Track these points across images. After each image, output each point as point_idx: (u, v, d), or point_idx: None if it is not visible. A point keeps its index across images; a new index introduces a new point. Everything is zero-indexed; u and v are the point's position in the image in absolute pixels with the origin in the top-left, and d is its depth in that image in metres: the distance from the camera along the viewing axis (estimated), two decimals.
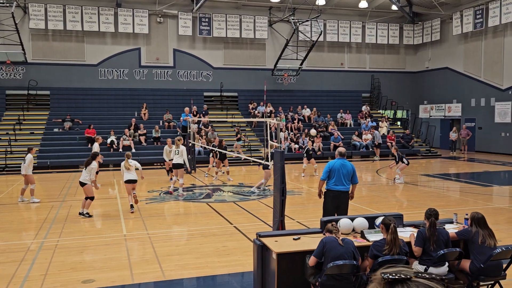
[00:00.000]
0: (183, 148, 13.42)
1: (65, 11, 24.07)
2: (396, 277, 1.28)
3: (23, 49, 23.05)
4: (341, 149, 8.43)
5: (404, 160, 15.80)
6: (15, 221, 10.83)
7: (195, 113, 23.96)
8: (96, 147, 14.86)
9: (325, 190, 8.18)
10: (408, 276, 1.27)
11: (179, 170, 13.27)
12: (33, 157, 13.02)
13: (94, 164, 10.99)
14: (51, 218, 10.59)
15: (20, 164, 12.91)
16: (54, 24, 24.01)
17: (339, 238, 5.34)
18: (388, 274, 1.29)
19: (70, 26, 24.22)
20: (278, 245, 5.68)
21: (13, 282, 6.51)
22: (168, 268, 7.08)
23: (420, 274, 1.28)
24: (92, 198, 10.83)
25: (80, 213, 10.75)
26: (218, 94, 27.12)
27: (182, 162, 13.25)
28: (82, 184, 10.83)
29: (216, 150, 16.47)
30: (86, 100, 24.95)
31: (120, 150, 21.58)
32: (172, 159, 13.75)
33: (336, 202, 8.08)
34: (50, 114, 23.94)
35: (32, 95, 24.27)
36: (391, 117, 29.89)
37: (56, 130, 22.86)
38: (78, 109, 24.37)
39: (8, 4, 21.41)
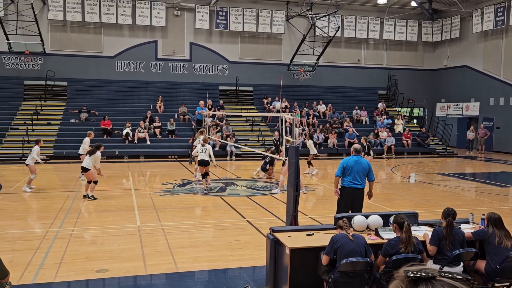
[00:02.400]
0: (209, 147, 13.35)
1: (84, 2, 24.25)
2: (420, 275, 1.25)
3: (41, 40, 23.30)
4: (356, 146, 8.31)
5: (371, 152, 16.32)
6: (31, 209, 11.00)
7: (210, 106, 24.00)
8: (86, 142, 14.77)
9: (340, 187, 8.08)
10: (433, 275, 1.24)
11: (206, 167, 13.09)
12: (40, 147, 13.19)
13: (98, 154, 11.84)
14: (66, 207, 10.72)
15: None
16: (72, 15, 24.21)
17: (349, 234, 5.30)
18: (412, 272, 1.26)
19: (88, 17, 24.40)
20: (292, 240, 5.66)
21: (28, 269, 6.60)
22: (180, 260, 7.11)
23: (444, 274, 1.25)
24: (95, 182, 11.67)
25: (84, 195, 11.62)
26: (234, 88, 27.11)
27: (209, 159, 13.10)
28: (85, 169, 11.66)
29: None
30: (103, 91, 25.16)
31: (135, 142, 21.75)
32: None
33: (350, 199, 7.99)
34: (67, 105, 24.20)
35: (50, 86, 24.54)
36: (408, 114, 29.57)
37: (72, 120, 23.10)
38: (94, 100, 24.58)
39: None
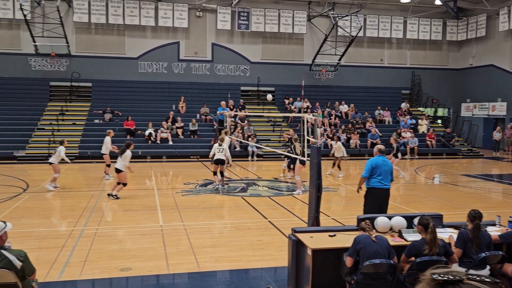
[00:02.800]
0: (225, 146, 13.67)
1: (108, 5, 24.63)
2: (448, 278, 1.22)
3: (67, 42, 23.76)
4: (380, 146, 8.21)
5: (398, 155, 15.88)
6: (57, 208, 11.22)
7: (231, 107, 24.07)
8: (107, 141, 15.10)
9: (368, 188, 7.95)
10: (460, 278, 1.21)
11: (222, 166, 13.52)
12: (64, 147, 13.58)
13: (129, 153, 11.97)
14: (91, 206, 10.89)
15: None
16: (97, 17, 24.62)
17: (372, 235, 5.23)
18: (439, 275, 1.23)
19: (112, 19, 24.77)
20: (314, 241, 5.63)
21: (54, 267, 6.73)
22: (202, 260, 7.15)
23: (472, 276, 1.21)
24: (124, 184, 11.89)
25: (108, 194, 11.85)
26: (255, 88, 27.14)
27: (225, 159, 13.54)
28: (119, 171, 11.81)
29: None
30: (126, 92, 25.50)
31: (158, 142, 21.98)
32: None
33: (379, 200, 7.87)
34: (91, 106, 24.60)
35: (75, 87, 25.00)
36: (432, 115, 29.08)
37: (96, 121, 23.48)
38: (118, 101, 24.93)
39: None
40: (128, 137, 22.07)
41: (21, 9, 21.68)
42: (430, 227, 5.12)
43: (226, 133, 15.19)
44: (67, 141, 13.79)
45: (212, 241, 8.27)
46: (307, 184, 13.64)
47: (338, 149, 16.08)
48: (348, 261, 5.21)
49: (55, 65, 24.85)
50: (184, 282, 6.52)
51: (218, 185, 13.46)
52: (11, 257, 4.37)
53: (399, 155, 15.98)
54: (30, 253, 4.63)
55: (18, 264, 4.38)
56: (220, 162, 13.44)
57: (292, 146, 13.32)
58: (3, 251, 4.40)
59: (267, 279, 6.60)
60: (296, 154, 12.76)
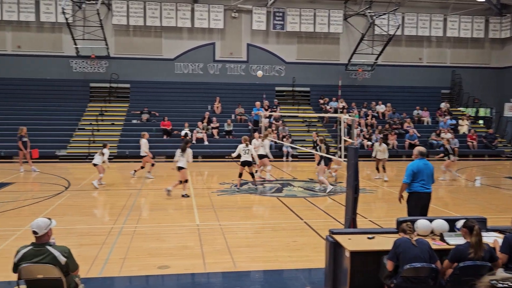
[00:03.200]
0: (251, 147, 13.67)
1: (146, 7, 25.12)
2: (508, 286, 1.15)
3: (106, 44, 24.39)
4: (421, 149, 7.88)
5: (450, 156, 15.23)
6: (97, 206, 11.51)
7: (266, 107, 24.07)
8: (144, 143, 15.62)
9: (410, 192, 7.67)
10: None
11: (250, 167, 13.58)
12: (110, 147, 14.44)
13: (189, 150, 12.41)
14: (130, 205, 11.12)
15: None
16: (135, 20, 25.14)
17: (412, 238, 5.10)
18: (499, 282, 1.17)
19: (149, 22, 25.25)
20: (352, 243, 5.54)
21: (95, 263, 6.90)
22: (239, 260, 7.16)
23: None
24: (186, 181, 12.25)
25: (183, 195, 12.07)
26: (290, 88, 27.05)
27: (251, 159, 13.52)
28: (181, 168, 12.15)
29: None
30: (163, 93, 25.92)
31: (194, 142, 22.22)
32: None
33: (421, 205, 7.58)
34: (129, 106, 25.15)
35: (114, 88, 25.63)
36: (473, 115, 28.18)
37: (134, 121, 23.98)
38: (155, 101, 25.38)
39: (94, 2, 22.73)
40: (165, 137, 22.46)
41: (63, 12, 22.41)
42: (475, 229, 4.95)
43: (270, 133, 15.23)
44: (106, 141, 14.24)
45: (248, 241, 8.27)
46: (343, 186, 13.47)
47: (383, 151, 15.40)
48: (389, 264, 5.10)
49: (95, 66, 25.55)
50: (220, 281, 6.54)
51: (236, 185, 13.47)
52: (56, 253, 4.50)
53: (452, 156, 15.27)
54: (72, 250, 4.75)
55: (63, 260, 4.50)
56: (246, 163, 13.40)
57: (318, 147, 13.82)
58: (48, 247, 4.53)
59: (302, 281, 6.55)
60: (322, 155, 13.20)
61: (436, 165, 18.36)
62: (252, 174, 13.69)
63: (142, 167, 15.94)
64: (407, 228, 5.24)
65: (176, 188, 12.30)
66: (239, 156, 13.70)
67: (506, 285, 1.17)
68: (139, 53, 25.82)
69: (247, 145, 13.49)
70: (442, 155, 15.86)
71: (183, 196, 12.10)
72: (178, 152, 12.45)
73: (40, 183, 14.68)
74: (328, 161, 13.78)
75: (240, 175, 13.52)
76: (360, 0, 26.46)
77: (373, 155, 15.98)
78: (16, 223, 9.25)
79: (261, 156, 14.42)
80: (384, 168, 15.61)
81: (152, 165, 15.87)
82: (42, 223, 4.57)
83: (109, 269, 6.68)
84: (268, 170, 15.45)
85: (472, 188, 15.08)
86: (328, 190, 13.07)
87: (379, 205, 12.04)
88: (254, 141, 15.66)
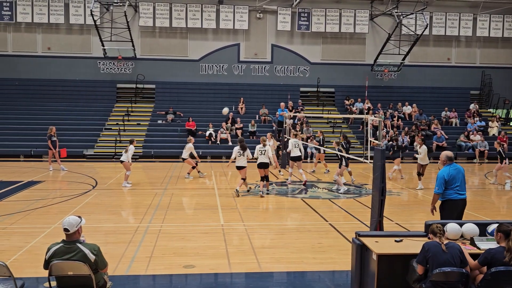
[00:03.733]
0: (268, 148, 12.96)
1: (171, 9, 25.37)
2: None
3: (133, 46, 24.74)
4: (449, 153, 7.47)
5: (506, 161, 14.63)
6: (123, 205, 11.66)
7: (291, 108, 24.00)
8: (188, 147, 15.78)
9: (444, 200, 7.21)
10: None
11: (266, 169, 12.79)
12: (135, 147, 14.46)
13: (248, 151, 12.67)
14: (155, 204, 11.23)
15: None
16: (161, 21, 25.42)
17: (442, 243, 4.97)
18: None
19: (175, 23, 25.49)
20: (379, 246, 5.45)
21: (122, 261, 6.99)
22: (263, 260, 7.14)
23: None
24: (244, 179, 12.60)
25: (236, 190, 12.49)
26: (315, 89, 26.90)
27: (268, 161, 12.75)
28: (242, 167, 12.50)
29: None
30: (188, 94, 26.13)
31: (218, 142, 22.33)
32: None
33: (457, 212, 7.11)
34: (155, 107, 25.45)
35: (140, 89, 25.97)
36: (503, 116, 27.45)
37: (159, 121, 24.24)
38: (180, 102, 25.61)
39: (121, 4, 23.09)
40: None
41: (92, 15, 22.83)
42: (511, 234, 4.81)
43: (296, 135, 15.08)
44: (133, 142, 14.30)
45: (272, 242, 8.25)
46: (369, 187, 13.32)
47: (425, 154, 14.12)
48: (419, 269, 5.00)
49: (121, 67, 25.94)
50: (244, 281, 6.54)
51: (261, 191, 12.59)
52: (86, 251, 4.57)
53: (507, 160, 14.71)
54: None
55: (92, 257, 4.57)
56: (263, 165, 12.64)
57: (337, 149, 14.09)
58: (78, 245, 4.61)
59: (326, 283, 6.50)
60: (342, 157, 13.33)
61: (465, 167, 17.96)
62: (267, 178, 12.83)
63: (194, 167, 15.94)
64: (437, 231, 5.12)
65: (241, 186, 12.56)
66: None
67: None
68: (165, 54, 26.08)
69: (264, 145, 12.77)
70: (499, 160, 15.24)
71: (236, 191, 12.43)
72: (236, 150, 12.65)
73: (68, 181, 14.98)
74: (347, 163, 13.71)
75: (262, 178, 12.76)
76: (386, 0, 26.11)
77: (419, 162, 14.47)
78: (45, 221, 9.45)
79: (261, 165, 12.85)
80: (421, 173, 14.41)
81: (193, 167, 15.92)
82: (73, 220, 4.66)
83: (136, 267, 6.76)
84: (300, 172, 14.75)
85: (502, 192, 14.66)
86: (341, 191, 13.19)
87: (405, 207, 11.83)
88: (258, 146, 13.96)
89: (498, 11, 27.06)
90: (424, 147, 14.28)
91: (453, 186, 7.14)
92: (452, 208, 7.17)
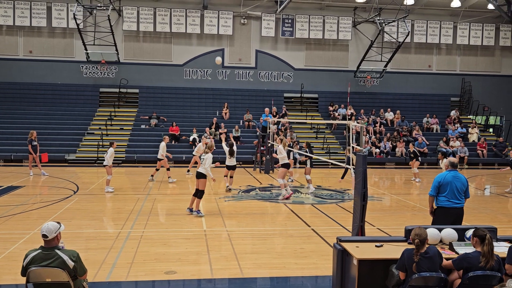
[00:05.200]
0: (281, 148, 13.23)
1: (156, 13, 25.31)
2: None
3: (116, 50, 24.58)
4: (453, 159, 7.43)
5: None
6: (105, 210, 11.54)
7: (275, 113, 24.09)
8: (162, 146, 16.06)
9: (436, 207, 7.27)
10: None
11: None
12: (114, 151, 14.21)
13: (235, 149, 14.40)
14: (137, 210, 11.15)
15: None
16: (145, 26, 25.33)
17: (419, 252, 4.96)
18: None
19: (159, 27, 25.42)
20: (360, 251, 5.50)
21: (103, 267, 6.91)
22: (245, 266, 7.14)
23: None
24: (231, 177, 14.26)
25: (228, 189, 14.14)
26: (298, 95, 27.06)
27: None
28: (233, 167, 14.25)
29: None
30: (171, 98, 26.06)
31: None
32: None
33: (451, 221, 6.92)
34: (138, 111, 25.30)
35: (123, 93, 25.80)
36: (483, 123, 27.97)
37: (143, 126, 24.11)
38: (163, 107, 25.52)
39: (105, 8, 22.95)
40: (173, 142, 22.53)
41: (74, 18, 22.64)
42: (487, 238, 4.91)
43: (281, 140, 14.70)
44: (112, 144, 14.10)
45: (255, 247, 8.25)
46: (351, 193, 13.41)
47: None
48: (401, 275, 5.05)
49: (104, 72, 25.75)
50: (226, 287, 6.53)
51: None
52: (65, 257, 4.52)
53: None
54: (79, 254, 4.76)
55: (71, 264, 4.52)
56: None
57: (305, 150, 14.93)
58: (57, 251, 4.56)
59: None
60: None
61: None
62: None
63: (157, 169, 16.13)
64: (414, 243, 5.07)
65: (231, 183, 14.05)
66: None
67: None
68: (149, 59, 25.99)
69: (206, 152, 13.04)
70: (508, 167, 15.31)
71: (228, 188, 14.03)
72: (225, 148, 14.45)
73: (49, 187, 14.78)
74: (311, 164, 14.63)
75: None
76: (369, 7, 26.47)
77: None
78: (25, 226, 9.31)
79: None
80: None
81: (168, 169, 16.02)
82: (52, 226, 4.60)
83: (116, 274, 6.69)
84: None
85: (482, 197, 14.93)
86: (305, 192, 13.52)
87: (387, 212, 11.96)
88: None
89: (478, 20, 27.64)
90: (445, 160, 14.60)
91: (445, 193, 7.10)
92: (444, 216, 7.11)
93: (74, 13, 22.71)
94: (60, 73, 25.30)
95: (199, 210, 10.61)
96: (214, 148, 11.91)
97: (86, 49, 24.08)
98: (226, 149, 14.48)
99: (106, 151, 14.02)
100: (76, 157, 21.25)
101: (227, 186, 14.27)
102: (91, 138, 22.52)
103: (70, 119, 23.98)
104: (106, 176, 13.83)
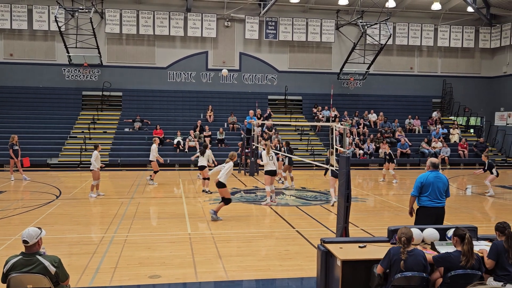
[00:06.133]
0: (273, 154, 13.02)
1: (139, 16, 25.16)
2: None
3: (99, 53, 24.36)
4: (434, 160, 7.54)
5: (494, 171, 14.72)
6: (88, 215, 11.42)
7: (259, 116, 24.12)
8: (153, 148, 16.33)
9: (418, 207, 7.36)
10: None
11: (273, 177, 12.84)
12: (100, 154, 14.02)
13: (209, 152, 14.82)
14: (121, 214, 11.06)
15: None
16: (128, 28, 25.17)
17: (405, 250, 5.04)
18: None
19: (142, 30, 25.28)
20: (343, 252, 5.55)
21: (86, 273, 6.84)
22: (230, 269, 7.14)
23: None
24: (208, 179, 14.05)
25: (203, 191, 14.15)
26: (283, 97, 27.16)
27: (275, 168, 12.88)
28: (203, 167, 14.37)
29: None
30: (155, 101, 25.91)
31: (186, 150, 22.19)
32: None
33: (432, 221, 7.00)
34: (121, 115, 25.10)
35: (106, 96, 25.57)
36: (464, 124, 28.42)
37: (126, 129, 23.92)
38: (147, 110, 25.35)
39: (87, 10, 22.74)
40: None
41: (56, 21, 22.38)
42: (467, 238, 5.00)
43: (266, 145, 14.42)
44: (97, 147, 13.92)
45: (240, 250, 8.26)
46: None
47: None
48: (378, 268, 5.11)
49: (87, 75, 25.50)
50: None
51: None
52: (46, 263, 4.46)
53: (494, 171, 14.70)
54: (62, 259, 4.71)
55: (52, 269, 4.47)
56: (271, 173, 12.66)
57: (286, 149, 15.86)
58: (38, 257, 4.50)
59: None
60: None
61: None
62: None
63: (155, 172, 16.22)
64: (400, 242, 5.16)
65: (207, 186, 14.15)
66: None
67: None
68: (132, 62, 25.82)
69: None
70: (481, 171, 15.25)
71: (203, 191, 14.05)
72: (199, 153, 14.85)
73: (31, 191, 14.56)
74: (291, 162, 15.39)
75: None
76: (351, 10, 26.71)
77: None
78: (6, 232, 9.16)
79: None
80: None
81: (155, 172, 16.07)
82: (33, 232, 4.54)
83: (100, 279, 6.63)
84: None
85: (463, 197, 15.17)
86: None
87: (371, 213, 12.07)
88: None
89: (458, 22, 28.11)
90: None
91: (427, 193, 7.20)
92: (425, 215, 7.20)
93: (55, 16, 22.46)
94: (42, 76, 24.98)
95: (215, 212, 10.55)
96: (237, 157, 11.79)
97: (68, 52, 23.82)
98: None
99: (90, 154, 13.85)
100: (58, 161, 20.98)
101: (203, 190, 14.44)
102: (74, 142, 22.26)
103: (52, 123, 23.68)
104: (90, 180, 13.66)
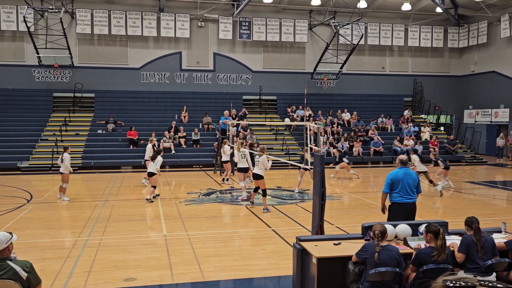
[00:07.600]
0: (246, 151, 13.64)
1: (110, 16, 24.81)
2: (460, 285, 1.22)
3: (70, 53, 23.91)
4: (402, 157, 7.73)
5: (440, 163, 15.12)
6: (61, 219, 11.21)
7: (234, 116, 24.12)
8: (148, 148, 16.35)
9: (390, 204, 7.53)
10: (473, 284, 1.21)
11: (245, 173, 13.72)
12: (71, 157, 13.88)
13: (160, 158, 13.18)
14: (95, 217, 10.89)
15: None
16: (99, 28, 24.78)
17: (378, 245, 5.15)
18: (451, 282, 1.23)
19: (114, 30, 24.93)
20: (318, 249, 5.61)
21: (59, 278, 6.72)
22: (207, 270, 7.13)
23: (484, 282, 1.22)
24: (154, 187, 13.04)
25: (147, 199, 12.82)
26: (257, 97, 27.21)
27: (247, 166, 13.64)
28: (152, 174, 12.95)
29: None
30: (129, 102, 25.59)
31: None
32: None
33: (404, 216, 7.15)
34: (94, 116, 24.69)
35: (78, 98, 25.12)
36: (434, 122, 29.08)
37: (99, 131, 23.54)
38: (121, 111, 25.01)
39: (57, 10, 22.27)
40: (131, 147, 22.17)
41: (25, 21, 21.86)
42: (441, 233, 5.13)
43: (242, 144, 14.57)
44: (70, 151, 13.74)
45: (216, 251, 8.25)
46: (310, 193, 13.61)
47: (418, 163, 14.77)
48: (353, 258, 5.28)
49: (58, 76, 24.99)
50: None
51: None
52: (17, 268, 4.35)
53: (441, 163, 15.05)
54: (34, 264, 4.61)
55: (24, 275, 4.36)
56: (242, 170, 13.58)
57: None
58: (9, 262, 4.39)
59: None
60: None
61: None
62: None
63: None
64: (375, 235, 5.27)
65: (152, 194, 13.04)
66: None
67: (458, 285, 1.24)
68: (104, 62, 25.43)
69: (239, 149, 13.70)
70: (443, 170, 15.34)
71: (147, 200, 12.79)
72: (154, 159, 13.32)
73: (0, 196, 14.17)
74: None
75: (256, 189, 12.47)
76: (324, 10, 26.99)
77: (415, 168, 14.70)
78: None
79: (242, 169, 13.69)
80: (431, 181, 14.67)
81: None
82: (2, 237, 4.42)
83: (73, 283, 6.52)
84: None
85: (434, 193, 15.50)
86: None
87: (345, 211, 12.22)
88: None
89: (427, 23, 28.74)
90: (414, 155, 15.27)
91: (397, 189, 7.38)
92: (397, 211, 7.37)
93: (24, 16, 21.94)
94: (11, 77, 24.34)
95: (266, 208, 11.52)
96: (266, 150, 12.50)
97: (37, 53, 23.28)
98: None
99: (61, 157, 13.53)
100: (29, 164, 20.49)
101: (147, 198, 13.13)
102: (45, 145, 21.77)
103: (22, 126, 23.10)
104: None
